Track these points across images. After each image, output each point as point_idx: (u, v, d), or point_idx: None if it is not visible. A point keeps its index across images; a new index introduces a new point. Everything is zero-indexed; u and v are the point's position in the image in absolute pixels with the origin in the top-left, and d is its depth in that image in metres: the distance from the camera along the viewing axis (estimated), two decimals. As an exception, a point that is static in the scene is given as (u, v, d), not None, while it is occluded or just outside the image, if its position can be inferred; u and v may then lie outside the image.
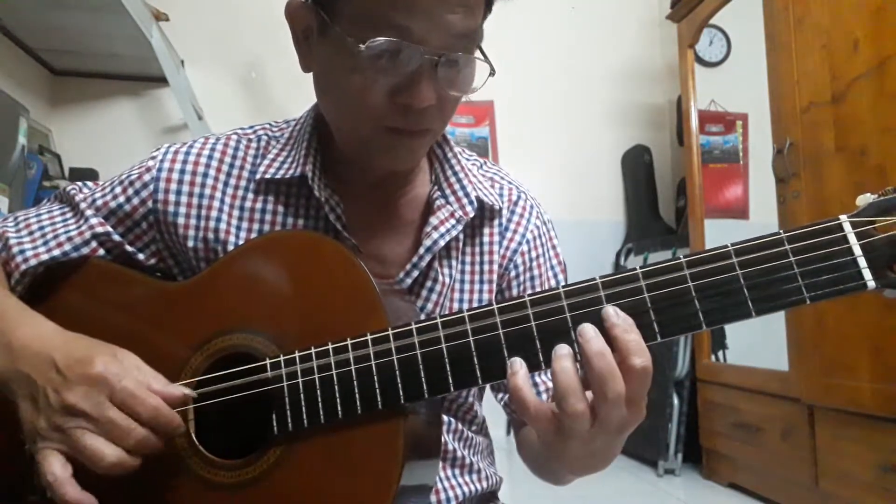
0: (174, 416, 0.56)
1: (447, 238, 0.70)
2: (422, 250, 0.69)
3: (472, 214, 0.72)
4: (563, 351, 0.50)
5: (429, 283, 0.71)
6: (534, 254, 0.78)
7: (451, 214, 0.71)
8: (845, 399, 1.71)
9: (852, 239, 0.48)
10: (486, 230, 0.76)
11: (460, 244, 0.74)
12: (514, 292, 0.76)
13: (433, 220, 0.70)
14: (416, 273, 0.70)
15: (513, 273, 0.76)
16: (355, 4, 0.58)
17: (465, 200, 0.72)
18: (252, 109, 2.92)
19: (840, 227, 0.49)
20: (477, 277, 0.74)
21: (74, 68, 2.73)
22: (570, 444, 0.52)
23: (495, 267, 0.75)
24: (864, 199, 0.50)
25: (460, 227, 0.71)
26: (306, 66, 0.67)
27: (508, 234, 0.77)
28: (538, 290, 0.77)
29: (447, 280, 0.72)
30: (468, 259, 0.74)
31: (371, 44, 0.57)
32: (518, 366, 0.51)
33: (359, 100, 0.60)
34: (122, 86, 2.81)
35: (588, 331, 0.49)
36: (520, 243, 0.77)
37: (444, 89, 0.60)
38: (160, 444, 0.56)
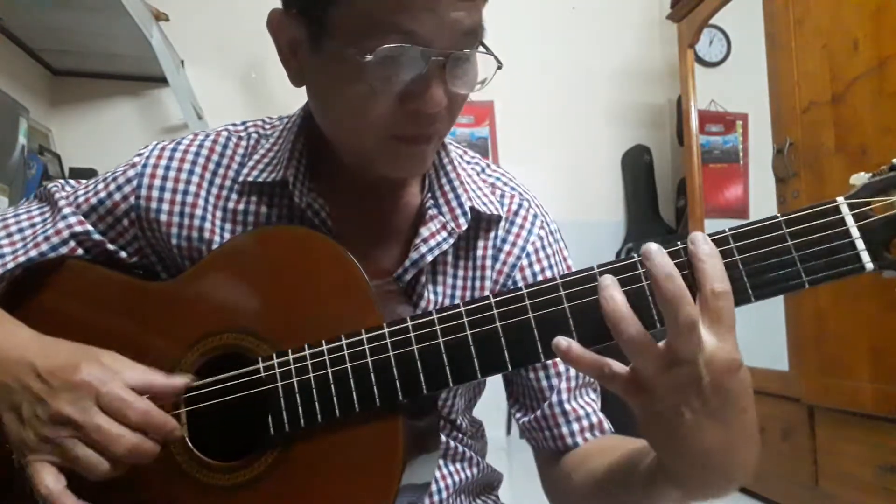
0: (167, 419, 0.55)
1: (436, 252, 0.66)
2: (407, 263, 0.66)
3: (464, 227, 0.67)
4: (607, 281, 0.47)
5: (413, 300, 0.67)
6: (537, 267, 0.72)
7: (443, 226, 0.67)
8: (845, 399, 1.71)
9: (850, 221, 0.48)
10: (480, 243, 0.71)
11: (449, 257, 0.69)
12: None
13: (423, 232, 0.66)
14: (400, 286, 0.66)
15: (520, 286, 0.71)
16: (352, 12, 0.54)
17: (458, 211, 0.67)
18: (252, 109, 2.92)
19: (837, 210, 0.48)
20: (468, 294, 0.70)
21: (74, 68, 2.72)
22: (665, 423, 0.47)
23: (488, 284, 0.70)
24: (859, 179, 0.49)
25: (451, 241, 0.67)
26: (297, 80, 0.63)
27: (506, 248, 0.71)
28: None
29: (432, 298, 0.68)
30: (460, 274, 0.70)
31: (377, 53, 0.53)
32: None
33: (363, 111, 0.57)
34: (122, 86, 2.81)
35: (654, 251, 0.45)
36: (518, 257, 0.71)
37: (454, 89, 0.58)
38: (154, 448, 0.54)
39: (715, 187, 2.70)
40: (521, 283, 0.71)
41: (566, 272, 0.72)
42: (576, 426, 0.69)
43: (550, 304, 0.51)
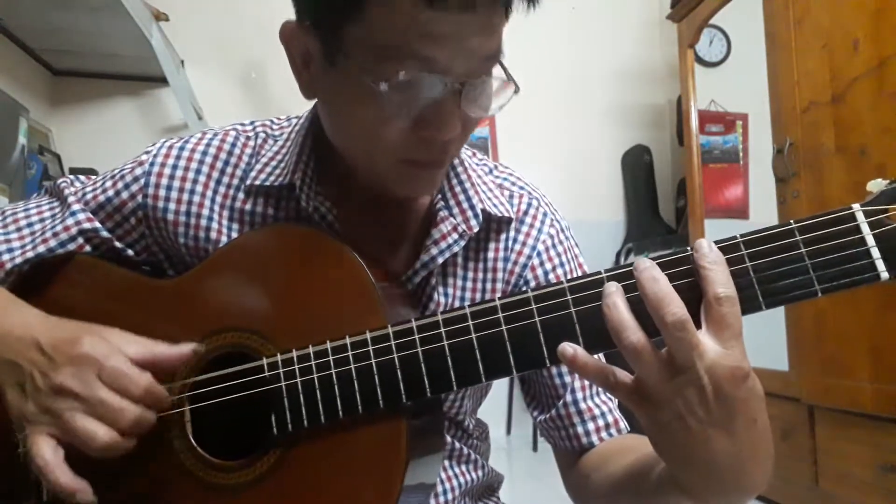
0: (165, 393, 0.55)
1: (447, 254, 0.65)
2: (418, 265, 0.65)
3: (476, 229, 0.67)
4: (611, 288, 0.47)
5: (422, 302, 0.67)
6: (548, 266, 0.71)
7: (454, 228, 0.66)
8: (845, 399, 1.71)
9: (865, 229, 0.46)
10: (492, 245, 0.70)
11: (459, 259, 0.69)
12: None
13: (435, 234, 0.66)
14: (409, 288, 0.67)
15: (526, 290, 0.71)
16: (369, 33, 0.52)
17: (469, 213, 0.67)
18: (252, 109, 2.92)
19: (853, 217, 0.47)
20: (478, 296, 0.70)
21: (74, 68, 2.72)
22: (673, 429, 0.46)
23: (499, 286, 0.70)
24: (877, 185, 0.48)
25: (463, 243, 0.66)
26: (309, 93, 0.62)
27: (517, 248, 0.71)
28: None
29: (442, 300, 0.68)
30: (470, 276, 0.70)
31: (392, 81, 0.52)
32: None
33: (376, 134, 0.56)
34: (122, 86, 2.81)
35: (644, 262, 0.46)
36: (529, 257, 0.71)
37: (469, 113, 0.56)
38: (153, 420, 0.54)
39: (715, 187, 2.70)
40: (532, 283, 0.71)
41: (577, 269, 0.73)
42: (591, 425, 0.69)
43: (557, 309, 0.50)
